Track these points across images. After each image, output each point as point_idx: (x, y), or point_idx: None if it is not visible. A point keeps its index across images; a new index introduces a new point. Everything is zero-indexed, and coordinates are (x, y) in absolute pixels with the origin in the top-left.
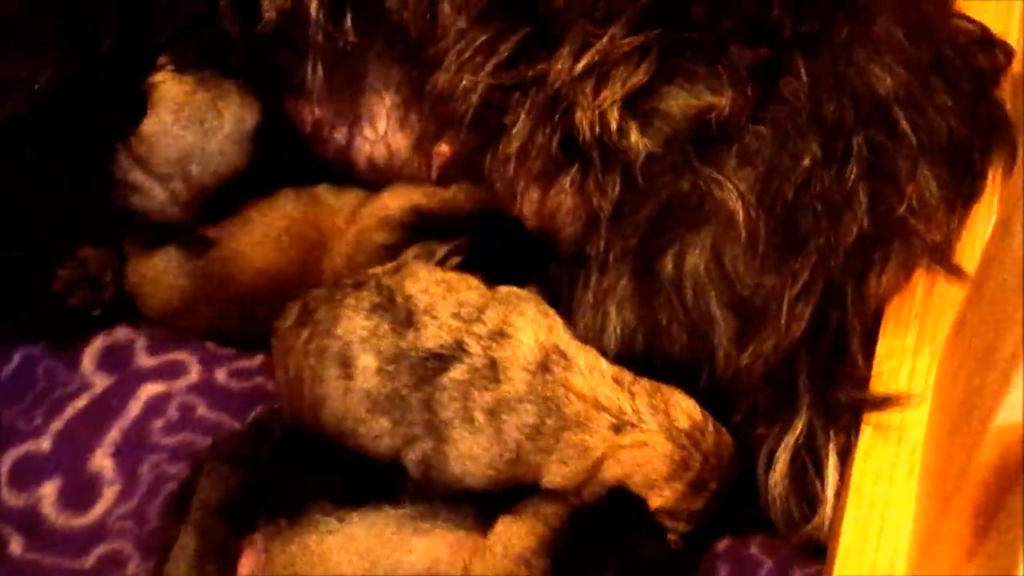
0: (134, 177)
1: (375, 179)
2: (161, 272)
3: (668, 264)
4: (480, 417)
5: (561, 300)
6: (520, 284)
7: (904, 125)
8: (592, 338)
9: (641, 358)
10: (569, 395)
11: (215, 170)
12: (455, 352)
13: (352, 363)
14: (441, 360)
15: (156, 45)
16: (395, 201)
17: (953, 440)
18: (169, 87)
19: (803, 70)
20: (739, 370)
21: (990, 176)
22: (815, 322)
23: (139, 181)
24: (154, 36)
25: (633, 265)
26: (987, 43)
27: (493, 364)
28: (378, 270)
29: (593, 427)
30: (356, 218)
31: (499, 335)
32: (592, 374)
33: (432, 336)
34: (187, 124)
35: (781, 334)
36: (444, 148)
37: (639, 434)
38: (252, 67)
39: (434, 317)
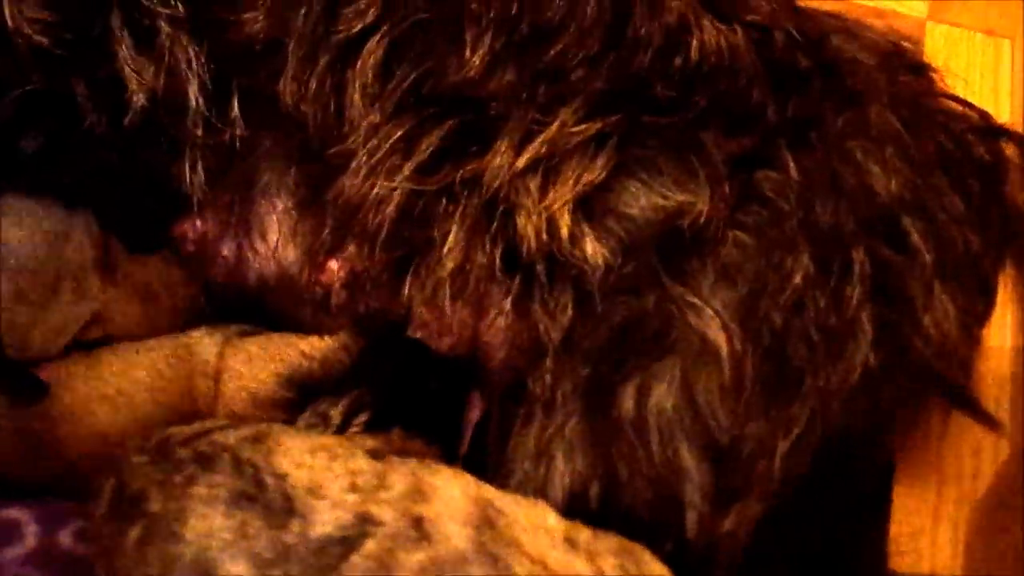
0: None
1: (269, 303)
2: None
3: (628, 401)
4: None
5: (491, 445)
6: (444, 423)
7: (915, 238)
8: (534, 491)
9: (594, 517)
10: (518, 555)
11: None
12: (362, 527)
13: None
14: (344, 543)
15: None
16: (264, 369)
17: None
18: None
19: (792, 165)
20: (716, 538)
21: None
22: (813, 479)
23: None
24: None
25: (585, 402)
26: (987, 131)
27: (418, 522)
28: (231, 437)
29: None
30: (221, 388)
31: (416, 493)
32: (537, 534)
33: (328, 519)
34: None
35: (769, 496)
36: (338, 267)
37: None
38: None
39: (323, 496)
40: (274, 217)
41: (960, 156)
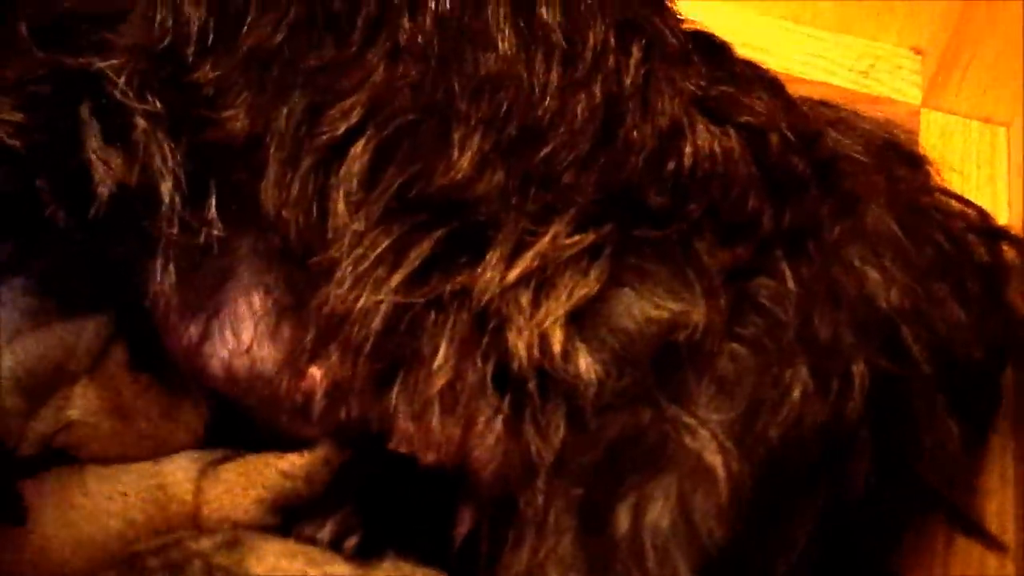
0: None
1: (234, 394)
2: None
3: (623, 521)
4: None
5: (482, 563)
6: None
7: (916, 350)
8: None
9: None
10: None
11: None
12: None
13: None
14: None
15: None
16: (246, 497)
17: None
18: None
19: (789, 274)
20: None
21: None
22: None
23: None
24: None
25: (579, 522)
26: (987, 232)
27: None
28: (204, 544)
29: None
30: (202, 523)
31: None
32: None
33: None
34: None
35: None
36: (321, 375)
37: None
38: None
39: None
40: (250, 315)
41: (960, 259)
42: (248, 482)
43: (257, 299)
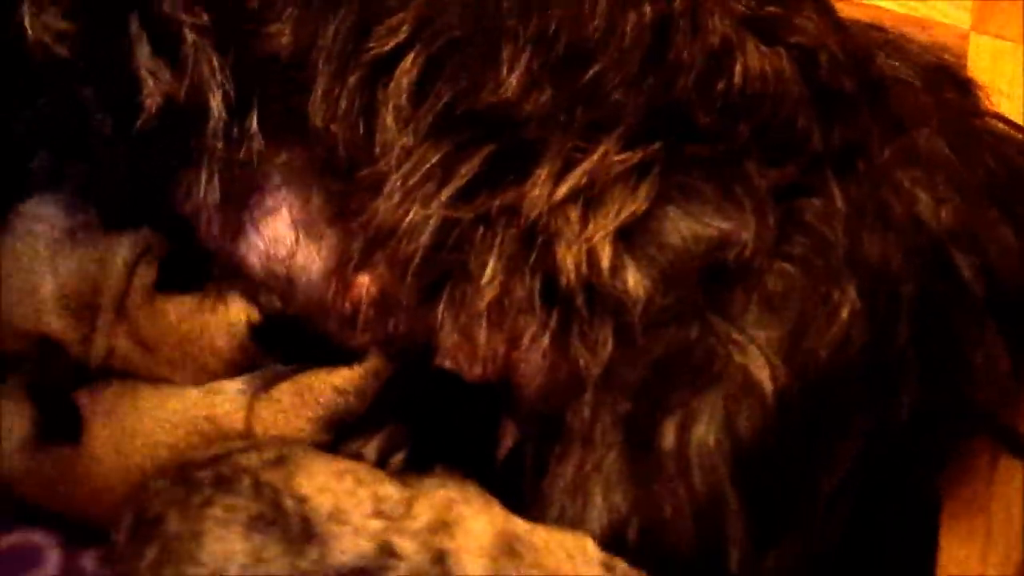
0: None
1: (276, 292)
2: None
3: (669, 436)
4: None
5: (527, 477)
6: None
7: (966, 272)
8: (571, 527)
9: (633, 553)
10: None
11: None
12: (383, 560)
13: None
14: (365, 574)
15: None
16: (300, 416)
17: None
18: None
19: (838, 194)
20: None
21: None
22: (858, 519)
23: None
24: None
25: (625, 437)
26: None
27: (440, 557)
28: (253, 459)
29: None
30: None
31: (442, 525)
32: (574, 562)
33: (348, 547)
34: None
35: (813, 535)
36: (369, 283)
37: None
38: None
39: (344, 522)
40: (291, 223)
41: (1010, 182)
42: (302, 401)
43: (298, 208)
